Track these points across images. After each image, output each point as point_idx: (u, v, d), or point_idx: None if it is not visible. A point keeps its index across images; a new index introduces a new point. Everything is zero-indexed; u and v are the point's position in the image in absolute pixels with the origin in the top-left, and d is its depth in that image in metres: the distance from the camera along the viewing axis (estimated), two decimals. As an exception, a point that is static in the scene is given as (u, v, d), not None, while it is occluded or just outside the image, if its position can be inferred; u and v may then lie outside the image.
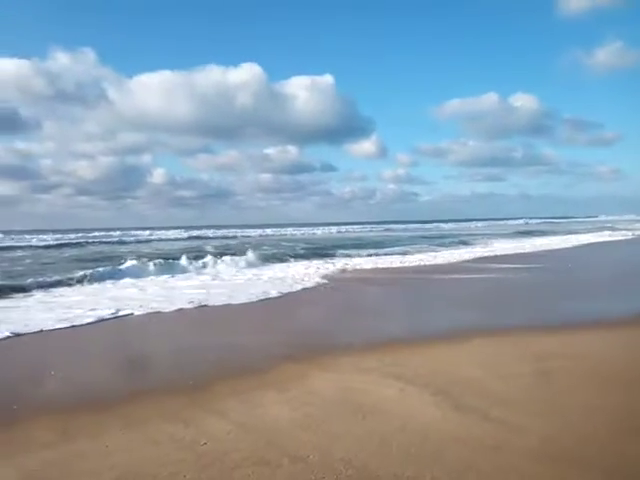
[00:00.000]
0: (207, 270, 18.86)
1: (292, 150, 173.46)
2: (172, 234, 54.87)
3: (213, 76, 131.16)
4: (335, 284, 14.66)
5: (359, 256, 24.75)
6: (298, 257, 23.46)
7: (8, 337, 8.22)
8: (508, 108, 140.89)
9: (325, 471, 3.63)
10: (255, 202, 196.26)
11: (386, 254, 25.63)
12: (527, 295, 12.10)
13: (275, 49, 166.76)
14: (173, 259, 19.93)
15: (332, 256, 24.75)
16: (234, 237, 50.53)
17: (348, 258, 23.72)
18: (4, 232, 60.58)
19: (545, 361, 6.17)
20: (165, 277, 16.76)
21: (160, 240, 46.28)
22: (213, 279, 16.36)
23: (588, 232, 44.78)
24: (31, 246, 36.25)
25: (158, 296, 12.55)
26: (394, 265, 20.04)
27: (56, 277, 15.11)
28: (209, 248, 25.07)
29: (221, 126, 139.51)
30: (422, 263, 20.54)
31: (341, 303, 11.95)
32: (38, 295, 12.87)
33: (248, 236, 52.55)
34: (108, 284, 15.04)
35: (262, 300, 11.88)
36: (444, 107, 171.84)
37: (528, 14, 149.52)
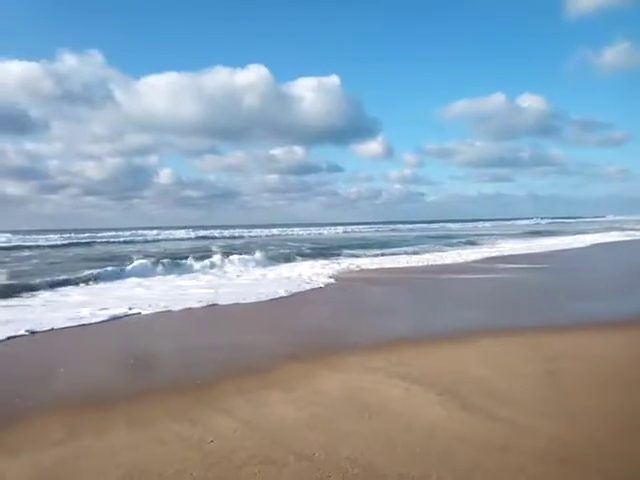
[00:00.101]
0: (214, 270, 18.90)
1: (298, 151, 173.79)
2: (179, 234, 55.01)
3: (220, 77, 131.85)
4: (342, 284, 14.66)
5: (366, 256, 24.73)
6: (305, 257, 23.47)
7: (22, 335, 8.29)
8: (515, 109, 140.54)
9: (331, 470, 3.63)
10: (261, 202, 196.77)
11: (393, 254, 25.58)
12: (536, 295, 12.04)
13: (282, 50, 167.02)
14: (180, 259, 20.00)
15: (339, 256, 24.75)
16: (241, 237, 50.64)
17: (355, 258, 23.70)
18: (12, 232, 61.00)
19: (553, 361, 6.14)
20: (172, 277, 16.82)
21: (167, 240, 46.45)
22: (220, 279, 16.41)
23: (597, 232, 44.47)
24: (39, 246, 36.49)
25: (165, 295, 12.59)
26: (401, 265, 20.00)
27: (64, 276, 15.19)
28: (216, 248, 25.07)
29: (228, 127, 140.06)
30: (429, 263, 20.49)
31: (348, 303, 11.95)
32: (46, 294, 12.94)
33: (255, 236, 52.62)
34: (115, 284, 15.09)
35: (269, 300, 11.89)
36: (451, 108, 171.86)
37: (535, 15, 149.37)
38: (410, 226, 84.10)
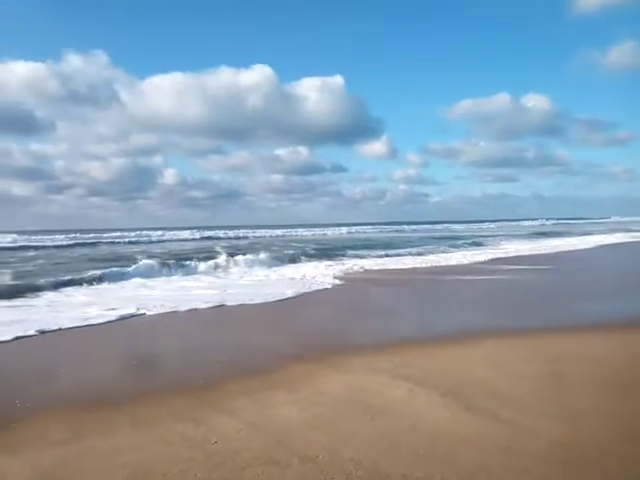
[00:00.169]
0: (219, 270, 18.94)
1: (303, 151, 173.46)
2: (184, 235, 55.10)
3: (224, 78, 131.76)
4: (346, 285, 14.66)
5: (370, 257, 24.71)
6: (309, 258, 23.45)
7: (30, 335, 8.32)
8: (520, 108, 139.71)
9: (335, 471, 3.63)
10: (266, 203, 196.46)
11: (398, 255, 25.55)
12: (540, 297, 12.00)
13: (286, 50, 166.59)
14: (185, 259, 20.03)
15: (343, 257, 24.74)
16: (245, 237, 50.68)
17: (359, 259, 23.67)
18: (18, 232, 61.24)
19: (557, 363, 6.12)
20: (177, 277, 16.88)
21: (172, 241, 46.52)
22: (225, 279, 16.45)
23: (602, 234, 44.26)
24: (44, 246, 36.61)
25: (170, 296, 12.62)
26: (406, 266, 19.98)
27: (69, 277, 15.23)
28: (221, 249, 25.11)
29: (232, 127, 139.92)
30: (434, 264, 20.46)
31: (352, 304, 11.95)
32: (50, 294, 12.99)
33: (259, 237, 52.67)
34: (119, 284, 15.13)
35: (275, 300, 11.90)
36: (455, 107, 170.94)
37: (539, 14, 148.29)
38: (414, 227, 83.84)
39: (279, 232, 61.49)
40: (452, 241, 35.50)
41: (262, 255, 21.62)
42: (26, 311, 10.69)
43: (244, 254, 21.74)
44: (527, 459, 3.72)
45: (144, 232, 59.84)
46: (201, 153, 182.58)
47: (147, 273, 16.86)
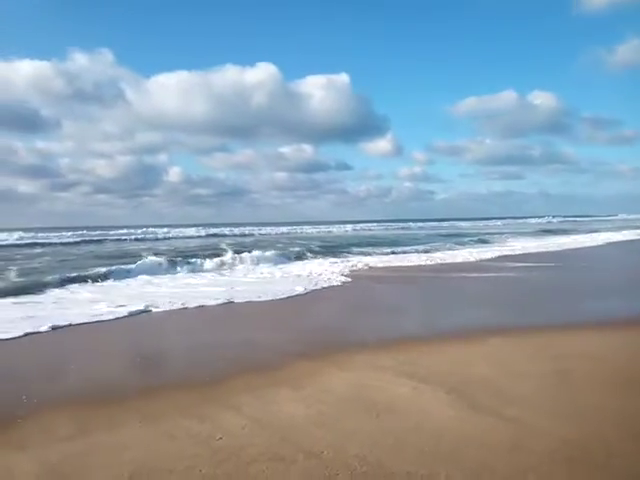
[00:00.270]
0: (225, 268, 18.94)
1: (307, 149, 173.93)
2: (189, 232, 55.20)
3: (229, 76, 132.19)
4: (354, 282, 14.66)
5: (376, 254, 24.67)
6: (314, 255, 23.45)
7: (37, 332, 8.38)
8: (526, 106, 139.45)
9: (339, 467, 3.64)
10: (270, 200, 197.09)
11: (404, 252, 25.50)
12: (547, 294, 11.94)
13: (291, 48, 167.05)
14: (191, 257, 20.09)
15: (349, 254, 24.72)
16: (251, 235, 50.75)
17: (365, 256, 23.66)
18: (24, 230, 61.59)
19: (563, 361, 6.10)
20: (182, 274, 16.93)
21: (177, 238, 46.63)
22: (231, 277, 16.48)
23: (610, 231, 43.96)
24: (51, 243, 36.81)
25: (177, 293, 12.66)
26: (412, 263, 19.96)
27: (74, 274, 15.30)
28: (226, 246, 25.17)
29: (237, 125, 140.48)
30: (440, 262, 20.41)
31: (358, 301, 11.95)
32: (56, 291, 13.07)
33: (264, 234, 52.71)
34: (125, 281, 15.17)
35: (281, 298, 11.92)
36: (460, 105, 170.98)
37: (546, 11, 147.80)
38: (420, 224, 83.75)
39: (284, 229, 61.62)
40: (458, 238, 35.41)
41: (268, 252, 21.64)
42: (32, 307, 10.74)
43: (249, 251, 21.76)
44: (532, 457, 3.71)
45: (150, 229, 60.06)
46: (206, 151, 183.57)
47: (152, 270, 16.88)
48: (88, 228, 70.07)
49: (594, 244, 28.96)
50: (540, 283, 14.02)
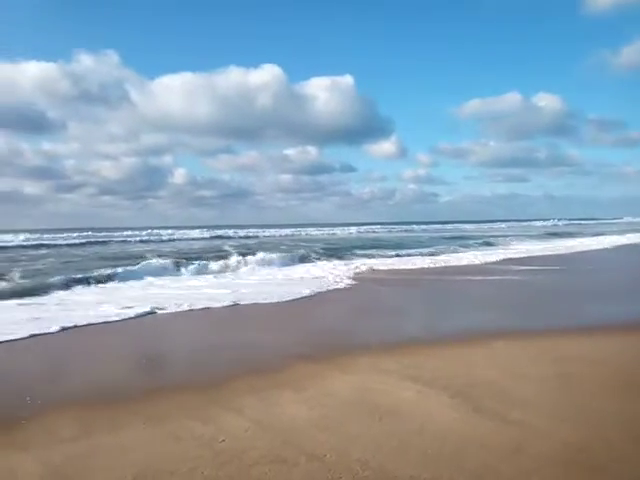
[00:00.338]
0: (229, 269, 18.96)
1: (312, 151, 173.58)
2: (194, 234, 55.29)
3: (234, 77, 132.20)
4: (357, 285, 14.65)
5: (380, 257, 24.66)
6: (319, 257, 23.46)
7: (47, 333, 8.40)
8: (531, 108, 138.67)
9: (342, 471, 3.63)
10: (275, 202, 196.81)
11: (408, 255, 25.47)
12: (552, 298, 11.90)
13: (295, 50, 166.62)
14: (195, 259, 20.11)
15: (353, 257, 24.68)
16: (255, 237, 50.74)
17: (369, 259, 23.64)
18: (30, 231, 61.86)
19: (566, 364, 6.07)
20: (187, 276, 16.95)
21: (182, 240, 46.72)
22: (236, 279, 16.50)
23: (616, 234, 43.75)
24: (56, 245, 36.91)
25: (182, 295, 12.67)
26: (416, 266, 19.92)
27: (79, 275, 15.32)
28: (230, 248, 25.21)
29: (242, 127, 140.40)
30: (445, 265, 20.37)
31: (362, 304, 11.94)
32: (61, 293, 13.10)
33: (268, 236, 52.71)
34: (130, 283, 15.20)
35: (288, 300, 11.92)
36: (465, 107, 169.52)
37: (552, 13, 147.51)
38: (424, 226, 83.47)
39: (288, 231, 61.52)
40: (463, 241, 35.32)
41: (272, 254, 21.65)
42: (37, 309, 10.77)
43: (254, 253, 21.76)
44: (536, 460, 3.70)
45: (155, 231, 60.16)
46: (211, 153, 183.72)
47: (157, 272, 16.92)
48: (93, 229, 70.26)
49: (600, 247, 28.84)
50: (545, 286, 13.97)
